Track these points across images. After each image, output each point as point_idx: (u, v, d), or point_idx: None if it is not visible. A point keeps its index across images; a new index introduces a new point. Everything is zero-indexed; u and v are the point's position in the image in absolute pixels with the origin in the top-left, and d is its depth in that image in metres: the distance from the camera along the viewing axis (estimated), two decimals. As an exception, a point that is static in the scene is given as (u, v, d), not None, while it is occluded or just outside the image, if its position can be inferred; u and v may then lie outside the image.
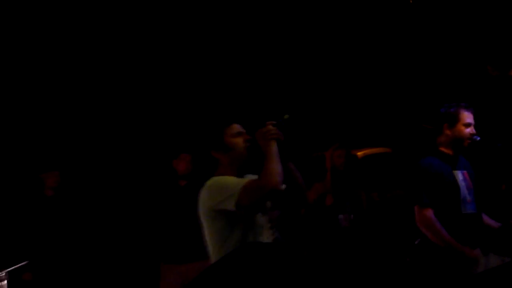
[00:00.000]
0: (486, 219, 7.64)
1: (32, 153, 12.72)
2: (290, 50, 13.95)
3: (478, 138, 7.42)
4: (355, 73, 13.71)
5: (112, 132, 13.72)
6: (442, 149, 7.55)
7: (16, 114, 13.26)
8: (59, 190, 11.18)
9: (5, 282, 9.27)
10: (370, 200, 11.00)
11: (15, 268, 9.34)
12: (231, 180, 5.79)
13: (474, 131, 7.47)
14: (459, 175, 7.43)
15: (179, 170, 10.80)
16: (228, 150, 5.98)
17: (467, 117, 7.48)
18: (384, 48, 13.48)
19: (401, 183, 10.75)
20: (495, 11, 12.14)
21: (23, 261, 9.47)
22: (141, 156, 13.45)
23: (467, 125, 7.45)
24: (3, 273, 9.26)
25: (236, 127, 6.06)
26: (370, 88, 13.57)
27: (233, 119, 6.21)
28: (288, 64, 13.86)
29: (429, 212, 7.28)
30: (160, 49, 13.84)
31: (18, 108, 13.30)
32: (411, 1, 12.34)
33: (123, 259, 12.62)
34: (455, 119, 7.47)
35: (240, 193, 5.54)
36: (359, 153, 12.10)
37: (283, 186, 5.63)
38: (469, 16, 12.51)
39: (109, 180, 13.06)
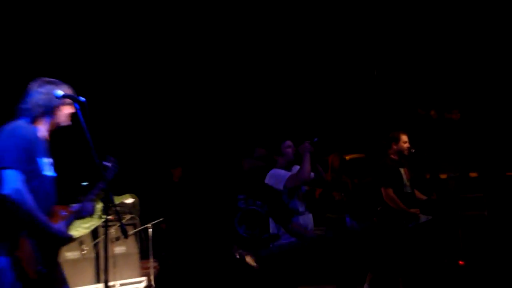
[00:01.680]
0: (419, 194, 8.61)
1: (164, 152, 13.39)
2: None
3: (413, 150, 8.44)
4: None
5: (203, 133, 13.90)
6: (392, 156, 8.47)
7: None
8: (182, 179, 12.30)
9: (151, 229, 10.51)
10: (353, 183, 12.26)
11: (156, 222, 10.63)
12: (281, 171, 6.88)
13: (409, 145, 8.43)
14: (402, 171, 8.39)
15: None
16: (283, 155, 7.00)
17: (405, 138, 8.44)
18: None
19: (370, 174, 11.23)
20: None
21: (161, 218, 10.75)
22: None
23: (405, 142, 8.42)
24: (150, 225, 10.69)
25: (288, 143, 6.99)
26: (353, 112, 13.66)
27: (287, 137, 7.12)
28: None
29: (390, 190, 8.19)
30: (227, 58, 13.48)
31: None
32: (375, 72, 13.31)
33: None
34: (397, 139, 8.46)
35: (286, 180, 6.71)
36: (347, 157, 12.24)
37: (312, 176, 6.79)
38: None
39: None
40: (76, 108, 4.69)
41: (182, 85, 13.71)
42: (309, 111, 13.54)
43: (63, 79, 4.91)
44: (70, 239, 4.58)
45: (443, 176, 11.49)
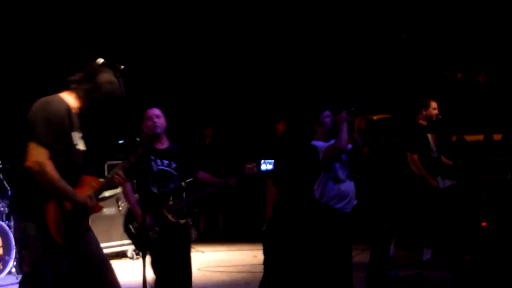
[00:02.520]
0: (444, 159, 8.72)
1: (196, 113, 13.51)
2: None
3: (440, 117, 8.54)
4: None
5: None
6: (420, 121, 8.51)
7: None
8: (214, 139, 12.55)
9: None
10: (379, 143, 12.41)
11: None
12: (320, 143, 6.96)
13: (438, 112, 8.49)
14: (430, 136, 8.48)
15: (279, 131, 12.06)
16: (322, 125, 7.04)
17: (434, 104, 8.49)
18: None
19: (396, 135, 11.44)
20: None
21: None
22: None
23: (434, 109, 8.47)
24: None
25: (327, 113, 7.03)
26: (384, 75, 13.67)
27: (325, 108, 7.16)
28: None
29: (415, 156, 8.27)
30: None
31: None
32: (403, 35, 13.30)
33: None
34: (427, 105, 8.50)
35: (324, 151, 6.88)
36: (375, 117, 12.96)
37: (349, 146, 6.98)
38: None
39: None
40: (116, 76, 4.76)
41: (216, 47, 13.83)
42: (340, 74, 13.64)
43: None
44: (96, 207, 4.68)
45: (470, 139, 11.55)
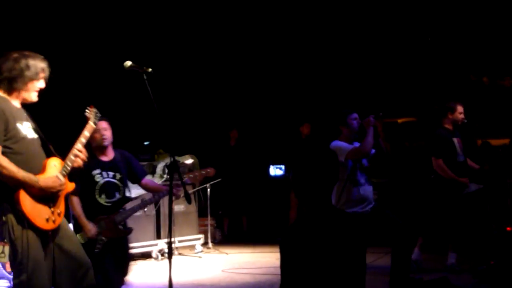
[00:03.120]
0: (471, 163, 8.68)
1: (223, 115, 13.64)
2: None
3: (466, 121, 8.47)
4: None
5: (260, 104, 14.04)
6: (446, 125, 8.48)
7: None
8: (238, 142, 12.57)
9: (209, 189, 10.69)
10: (404, 146, 12.33)
11: (214, 182, 10.80)
12: (344, 144, 7.01)
13: (464, 117, 8.46)
14: (455, 140, 8.44)
15: (303, 133, 12.05)
16: (348, 126, 7.08)
17: (461, 108, 8.44)
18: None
19: (421, 138, 11.11)
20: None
21: (218, 179, 10.88)
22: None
23: (460, 113, 8.43)
24: (208, 184, 10.75)
25: (355, 115, 7.08)
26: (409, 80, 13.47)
27: (353, 109, 7.18)
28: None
29: (441, 161, 8.26)
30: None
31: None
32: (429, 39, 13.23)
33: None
34: (454, 109, 8.45)
35: (348, 153, 6.89)
36: (399, 120, 12.84)
37: (372, 151, 6.96)
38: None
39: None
40: (143, 78, 5.03)
41: (241, 49, 13.85)
42: (365, 77, 13.54)
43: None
44: (66, 185, 4.84)
45: (495, 143, 11.48)
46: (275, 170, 12.32)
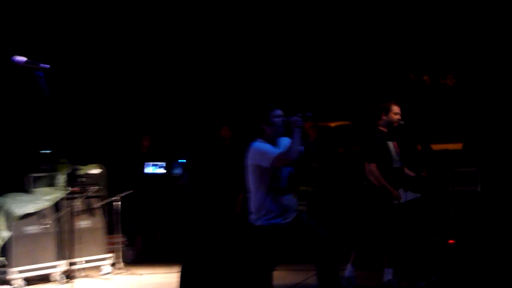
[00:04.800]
0: (407, 170, 8.77)
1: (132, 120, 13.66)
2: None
3: (403, 122, 8.57)
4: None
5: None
6: (381, 128, 8.60)
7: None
8: (151, 149, 12.50)
9: (119, 202, 10.65)
10: (338, 153, 12.47)
11: (124, 195, 10.80)
12: (269, 147, 6.78)
13: (400, 117, 8.54)
14: (390, 144, 8.55)
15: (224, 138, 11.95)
16: (271, 125, 6.85)
17: (396, 109, 8.54)
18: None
19: (356, 143, 11.63)
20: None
21: (129, 191, 10.96)
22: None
23: (396, 114, 8.52)
24: (118, 197, 10.76)
25: (279, 112, 6.86)
26: (340, 80, 13.82)
27: (277, 105, 6.96)
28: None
29: (374, 166, 8.38)
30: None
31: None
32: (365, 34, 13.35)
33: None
34: (388, 109, 8.56)
35: (273, 159, 6.64)
36: (332, 124, 13.07)
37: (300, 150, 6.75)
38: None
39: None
40: (39, 76, 4.94)
41: (150, 50, 14.08)
42: (294, 76, 13.74)
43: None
44: None
45: (437, 148, 11.69)
46: (154, 169, 12.30)
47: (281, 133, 6.96)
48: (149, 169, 12.30)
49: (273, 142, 6.98)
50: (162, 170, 12.34)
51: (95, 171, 10.77)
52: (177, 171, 12.51)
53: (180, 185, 12.42)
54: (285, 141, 6.96)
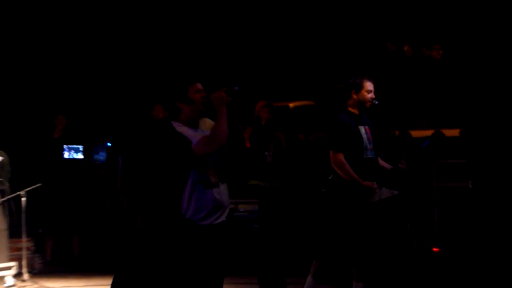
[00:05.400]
0: (382, 162, 8.65)
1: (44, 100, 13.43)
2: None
3: (377, 102, 8.43)
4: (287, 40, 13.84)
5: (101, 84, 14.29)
6: (350, 109, 8.42)
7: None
8: (66, 132, 12.40)
9: (25, 198, 10.58)
10: (297, 140, 12.38)
11: (32, 189, 10.79)
12: (188, 131, 6.57)
13: (374, 96, 8.38)
14: (362, 129, 8.37)
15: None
16: (190, 103, 6.66)
17: (369, 85, 8.39)
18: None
19: (321, 128, 11.63)
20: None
21: (38, 184, 10.94)
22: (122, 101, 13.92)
23: (369, 91, 8.37)
24: (23, 192, 10.73)
25: (198, 86, 6.67)
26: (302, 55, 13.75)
27: (196, 78, 6.74)
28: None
29: (341, 156, 8.17)
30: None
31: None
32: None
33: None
34: (359, 87, 8.40)
35: (195, 146, 6.44)
36: (291, 104, 12.95)
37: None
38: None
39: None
40: None
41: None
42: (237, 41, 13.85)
43: None
44: None
45: (416, 135, 11.66)
46: (71, 153, 12.23)
47: (202, 113, 6.79)
48: (65, 154, 12.13)
49: (194, 124, 6.79)
50: (80, 156, 12.17)
51: (-4, 158, 10.52)
52: (100, 157, 12.23)
53: (102, 176, 12.16)
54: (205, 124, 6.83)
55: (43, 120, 12.52)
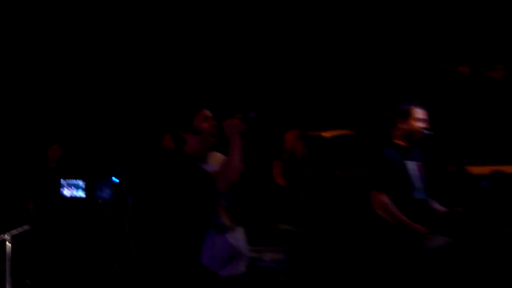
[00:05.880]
0: (435, 204, 8.56)
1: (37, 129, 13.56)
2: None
3: (430, 133, 8.33)
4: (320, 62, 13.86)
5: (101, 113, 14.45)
6: (396, 141, 8.38)
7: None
8: (61, 162, 12.29)
9: (10, 244, 10.59)
10: (333, 176, 12.27)
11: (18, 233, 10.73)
12: None
13: (425, 126, 8.32)
14: (410, 165, 8.30)
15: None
16: (196, 133, 6.65)
17: (419, 113, 8.33)
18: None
19: (362, 162, 11.74)
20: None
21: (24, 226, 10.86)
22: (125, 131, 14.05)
23: (418, 120, 8.31)
24: (7, 236, 10.65)
25: (206, 113, 6.71)
26: (337, 77, 13.76)
27: (203, 104, 6.80)
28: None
29: (385, 197, 8.09)
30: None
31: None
32: None
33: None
34: (406, 114, 8.34)
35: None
36: (325, 134, 12.95)
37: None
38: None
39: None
40: None
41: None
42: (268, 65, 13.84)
43: None
44: None
45: (475, 171, 11.54)
46: (72, 191, 12.30)
47: (213, 145, 6.76)
48: (65, 191, 12.10)
49: (200, 159, 6.76)
50: (81, 194, 12.12)
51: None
52: (103, 194, 12.20)
53: (106, 217, 12.12)
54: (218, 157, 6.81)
55: (34, 150, 12.52)
